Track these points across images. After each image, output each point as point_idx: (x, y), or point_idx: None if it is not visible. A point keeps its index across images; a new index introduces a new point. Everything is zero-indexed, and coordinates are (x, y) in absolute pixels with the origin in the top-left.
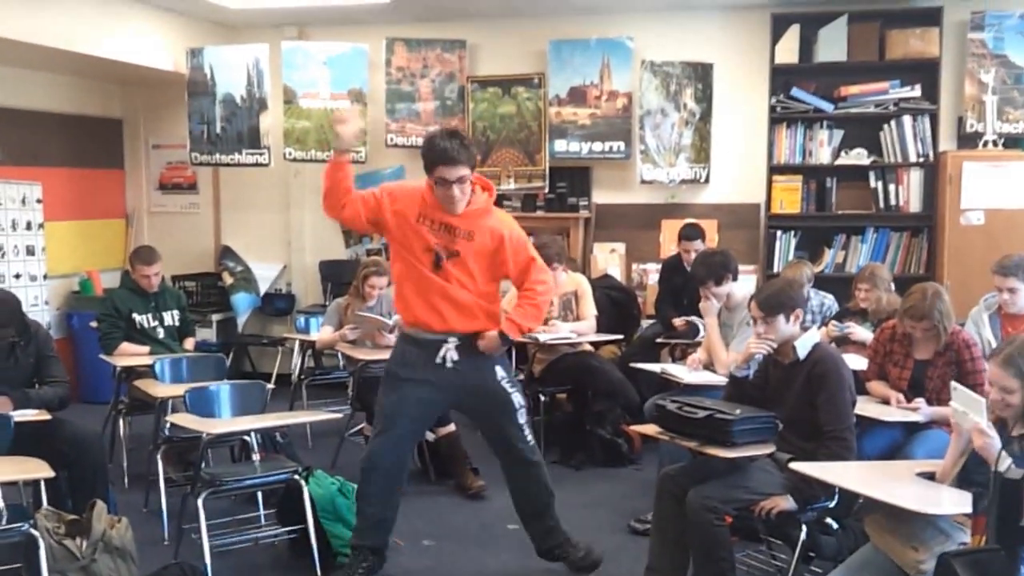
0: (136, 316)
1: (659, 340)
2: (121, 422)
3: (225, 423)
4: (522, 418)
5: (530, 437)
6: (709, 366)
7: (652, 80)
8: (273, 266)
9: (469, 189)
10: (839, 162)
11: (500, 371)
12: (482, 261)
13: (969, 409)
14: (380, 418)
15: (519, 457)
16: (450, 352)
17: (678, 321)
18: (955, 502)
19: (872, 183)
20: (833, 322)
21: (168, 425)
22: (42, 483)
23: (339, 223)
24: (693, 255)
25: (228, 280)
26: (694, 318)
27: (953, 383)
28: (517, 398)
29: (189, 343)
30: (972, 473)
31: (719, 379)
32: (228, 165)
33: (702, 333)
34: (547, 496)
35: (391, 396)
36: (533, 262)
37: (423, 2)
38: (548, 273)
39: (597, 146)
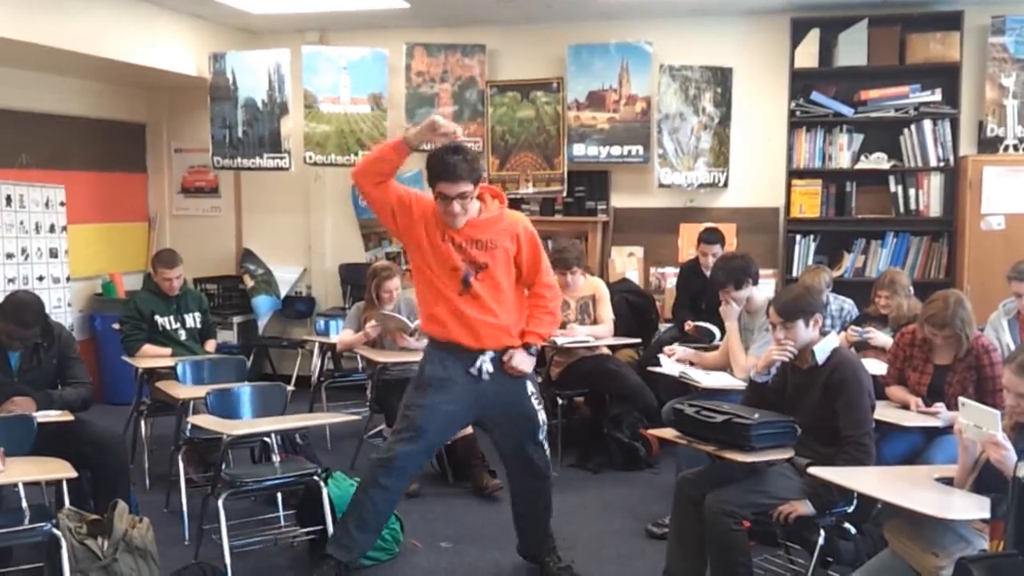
0: (158, 318)
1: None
2: (143, 423)
3: (246, 424)
4: (542, 435)
5: (548, 454)
6: (727, 368)
7: (671, 84)
8: (293, 269)
9: (470, 205)
10: (859, 166)
11: (531, 387)
12: (508, 267)
13: (982, 422)
14: (408, 424)
15: (535, 472)
16: (486, 364)
17: (688, 326)
18: (973, 507)
19: (892, 187)
20: (853, 327)
21: (189, 426)
22: (64, 483)
23: (362, 197)
24: (712, 259)
25: (249, 283)
26: (709, 325)
27: (962, 399)
28: (542, 416)
29: (210, 345)
30: (990, 479)
31: (737, 383)
32: (249, 169)
33: (718, 337)
34: (548, 510)
35: (422, 404)
36: (542, 261)
37: (443, 7)
38: (554, 277)
39: (615, 150)
